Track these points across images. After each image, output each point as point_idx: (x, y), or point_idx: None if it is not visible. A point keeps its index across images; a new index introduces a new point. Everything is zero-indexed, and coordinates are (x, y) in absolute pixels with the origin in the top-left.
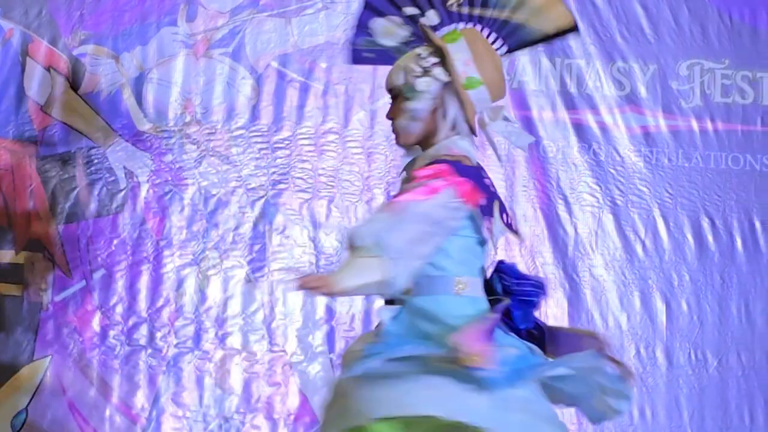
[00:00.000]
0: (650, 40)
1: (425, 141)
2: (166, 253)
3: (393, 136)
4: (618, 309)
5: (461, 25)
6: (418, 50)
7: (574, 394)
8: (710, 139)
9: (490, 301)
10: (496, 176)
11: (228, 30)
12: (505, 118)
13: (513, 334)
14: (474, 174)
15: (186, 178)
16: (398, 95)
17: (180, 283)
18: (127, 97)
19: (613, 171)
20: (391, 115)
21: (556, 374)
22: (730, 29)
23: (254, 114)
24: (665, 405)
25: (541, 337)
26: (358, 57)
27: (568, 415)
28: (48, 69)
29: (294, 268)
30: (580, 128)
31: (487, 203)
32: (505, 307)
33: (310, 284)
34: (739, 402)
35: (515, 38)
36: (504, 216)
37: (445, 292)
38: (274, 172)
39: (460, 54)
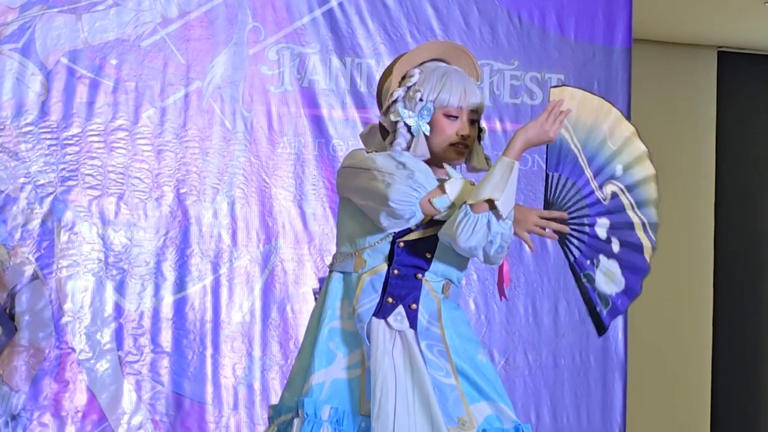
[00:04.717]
0: (440, 40)
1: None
2: None
3: (184, 133)
4: None
5: None
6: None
7: None
8: (499, 139)
9: None
10: (285, 174)
11: (18, 25)
12: None
13: None
14: None
15: None
16: (477, 119)
17: None
18: None
19: None
20: (470, 135)
21: None
22: (519, 30)
23: (43, 110)
24: None
25: None
26: None
27: None
28: None
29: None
30: None
31: None
32: None
33: None
34: (526, 400)
35: None
36: None
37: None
38: (63, 169)
39: None
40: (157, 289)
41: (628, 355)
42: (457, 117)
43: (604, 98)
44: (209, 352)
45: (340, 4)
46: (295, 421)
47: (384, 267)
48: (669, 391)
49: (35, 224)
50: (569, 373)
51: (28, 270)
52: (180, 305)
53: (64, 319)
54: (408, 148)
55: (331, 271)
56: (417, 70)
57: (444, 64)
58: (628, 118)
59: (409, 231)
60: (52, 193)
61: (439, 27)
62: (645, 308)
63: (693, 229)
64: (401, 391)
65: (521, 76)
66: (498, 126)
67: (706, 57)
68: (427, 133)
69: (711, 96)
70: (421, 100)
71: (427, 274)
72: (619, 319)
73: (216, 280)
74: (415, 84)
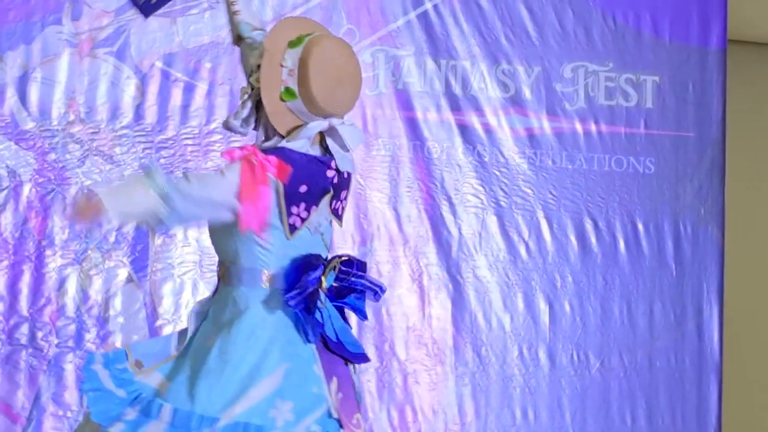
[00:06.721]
0: (535, 42)
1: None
2: (48, 252)
3: None
4: (501, 310)
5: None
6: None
7: None
8: (594, 141)
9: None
10: (380, 176)
11: (113, 29)
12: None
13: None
14: (300, 160)
15: (69, 178)
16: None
17: (62, 283)
18: (11, 96)
19: (497, 172)
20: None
21: None
22: (614, 32)
23: (138, 113)
24: (548, 406)
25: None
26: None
27: (451, 415)
28: None
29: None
30: (464, 129)
31: (310, 190)
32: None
33: (79, 211)
34: (621, 403)
35: None
36: (333, 203)
37: (253, 285)
38: None
39: (289, 60)
40: None
41: (724, 358)
42: None
43: None
44: None
45: (435, 7)
46: None
47: None
48: (764, 393)
49: (130, 227)
50: (664, 375)
51: (122, 273)
52: None
53: (159, 322)
54: None
55: None
56: None
57: None
58: (723, 120)
59: None
60: None
61: (533, 28)
62: (740, 310)
63: None
64: None
65: (616, 77)
66: (593, 128)
67: None
68: None
69: None
70: None
71: None
72: (715, 322)
73: None
74: None
